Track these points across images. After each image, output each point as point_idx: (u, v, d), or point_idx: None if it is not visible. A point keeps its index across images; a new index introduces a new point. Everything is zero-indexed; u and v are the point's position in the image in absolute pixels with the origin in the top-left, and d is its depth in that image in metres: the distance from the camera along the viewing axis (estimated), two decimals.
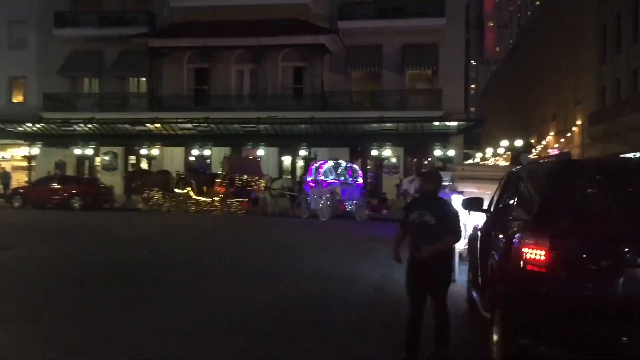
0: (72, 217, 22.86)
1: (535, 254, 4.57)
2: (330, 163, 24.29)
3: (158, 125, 30.09)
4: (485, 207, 7.48)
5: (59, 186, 27.47)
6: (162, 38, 32.85)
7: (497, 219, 6.36)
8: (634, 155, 31.13)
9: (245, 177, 24.93)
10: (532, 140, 16.49)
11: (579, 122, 45.97)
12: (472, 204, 7.41)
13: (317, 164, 24.59)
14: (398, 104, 31.18)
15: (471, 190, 9.96)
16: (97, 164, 35.06)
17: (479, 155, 55.12)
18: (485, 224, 7.41)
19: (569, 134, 47.48)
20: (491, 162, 56.15)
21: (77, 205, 26.85)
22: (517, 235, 4.81)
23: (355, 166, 24.74)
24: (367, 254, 13.37)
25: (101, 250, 12.99)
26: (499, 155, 51.35)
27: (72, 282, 9.34)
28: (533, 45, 65.61)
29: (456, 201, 10.46)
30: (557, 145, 48.83)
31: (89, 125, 30.67)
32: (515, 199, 5.83)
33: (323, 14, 32.50)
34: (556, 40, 54.38)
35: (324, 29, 31.65)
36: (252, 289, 8.85)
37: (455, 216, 5.79)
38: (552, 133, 53.56)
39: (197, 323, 6.96)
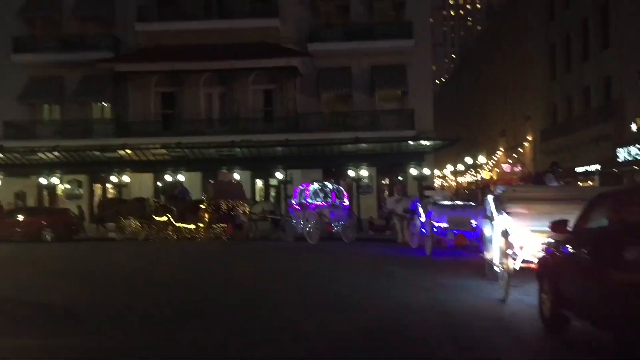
0: (58, 251, 21.83)
1: None
2: (316, 185, 24.25)
3: (129, 151, 29.35)
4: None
5: (28, 217, 26.34)
6: (129, 62, 32.15)
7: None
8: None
9: (230, 201, 24.59)
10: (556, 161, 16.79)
11: (529, 138, 47.79)
12: (558, 225, 7.64)
13: (302, 187, 24.53)
14: (370, 125, 31.60)
15: (521, 211, 10.20)
16: (59, 192, 33.73)
17: (436, 172, 56.27)
18: (566, 244, 7.56)
19: (520, 150, 49.22)
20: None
21: (48, 237, 25.81)
22: None
23: (340, 188, 24.84)
24: (394, 276, 13.49)
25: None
26: (460, 172, 52.57)
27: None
28: (477, 63, 67.87)
29: (503, 222, 10.71)
30: (510, 161, 50.53)
31: (55, 153, 29.59)
32: None
33: (292, 36, 32.66)
34: (501, 58, 56.46)
35: (296, 51, 31.82)
36: (325, 321, 8.68)
37: None
38: (501, 149, 55.43)
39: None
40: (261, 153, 29.88)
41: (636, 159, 28.61)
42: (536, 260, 10.06)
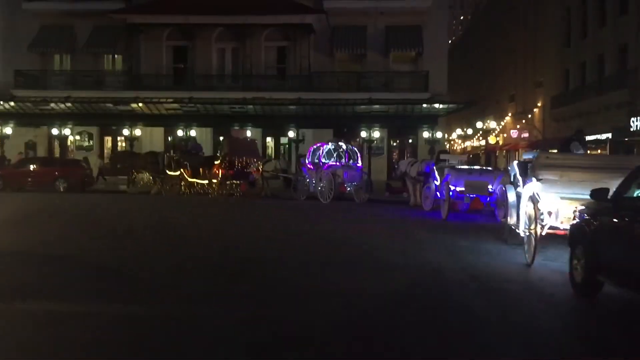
0: (82, 201, 21.97)
1: None
2: (330, 145, 24.24)
3: (141, 104, 29.25)
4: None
5: (41, 168, 26.44)
6: (141, 14, 31.75)
7: None
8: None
9: (245, 158, 24.62)
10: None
11: (539, 104, 47.49)
12: (598, 193, 7.70)
13: (315, 146, 24.53)
14: (383, 85, 31.42)
15: (551, 178, 10.26)
16: (69, 144, 33.75)
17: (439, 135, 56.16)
18: (610, 212, 7.61)
19: (529, 115, 48.98)
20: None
21: (61, 187, 25.97)
22: None
23: (355, 148, 24.83)
24: (417, 239, 13.67)
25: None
26: (468, 136, 52.47)
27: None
28: (488, 26, 66.88)
29: (533, 187, 10.78)
30: (518, 127, 50.35)
31: (67, 104, 29.49)
32: None
33: None
34: (513, 22, 55.58)
35: (310, 8, 31.42)
36: (364, 281, 8.82)
37: None
38: (510, 114, 55.13)
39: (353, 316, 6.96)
40: (273, 111, 29.77)
41: None
42: (562, 227, 10.19)
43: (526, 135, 48.20)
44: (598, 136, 33.99)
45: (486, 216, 18.21)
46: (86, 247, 11.54)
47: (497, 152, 57.47)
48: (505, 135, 52.77)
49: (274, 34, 32.47)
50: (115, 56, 34.07)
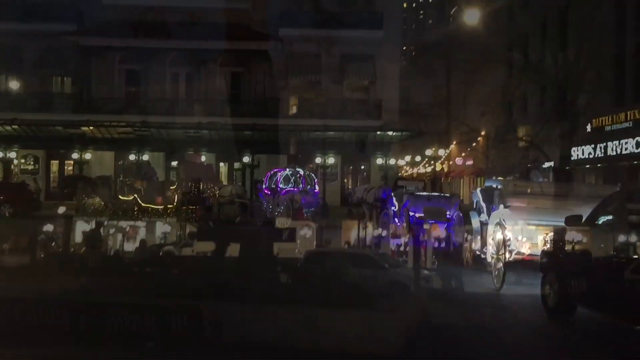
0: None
1: None
2: (288, 171, 24.39)
3: (92, 128, 28.62)
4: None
5: None
6: (94, 36, 31.21)
7: None
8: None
9: (201, 184, 24.39)
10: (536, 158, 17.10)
11: (483, 133, 48.99)
12: (573, 219, 8.09)
13: (272, 172, 24.63)
14: (337, 113, 31.85)
15: (519, 205, 10.66)
16: (13, 167, 32.53)
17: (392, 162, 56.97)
18: (577, 238, 8.04)
19: (473, 144, 50.39)
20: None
21: (6, 212, 25.00)
22: None
23: (312, 175, 25.05)
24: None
25: None
26: (416, 163, 53.51)
27: None
28: (435, 58, 68.62)
29: (500, 214, 11.16)
30: (463, 154, 51.67)
31: (14, 126, 28.55)
32: None
33: (263, 19, 32.47)
34: (458, 53, 57.24)
35: (266, 35, 31.70)
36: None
37: None
38: (455, 142, 56.55)
39: None
40: (228, 136, 29.72)
41: (589, 158, 29.94)
42: (529, 253, 10.60)
43: (470, 163, 49.60)
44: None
45: (444, 242, 18.60)
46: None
47: (442, 179, 58.84)
48: (450, 162, 54.09)
49: (229, 60, 32.48)
50: (65, 78, 33.28)
